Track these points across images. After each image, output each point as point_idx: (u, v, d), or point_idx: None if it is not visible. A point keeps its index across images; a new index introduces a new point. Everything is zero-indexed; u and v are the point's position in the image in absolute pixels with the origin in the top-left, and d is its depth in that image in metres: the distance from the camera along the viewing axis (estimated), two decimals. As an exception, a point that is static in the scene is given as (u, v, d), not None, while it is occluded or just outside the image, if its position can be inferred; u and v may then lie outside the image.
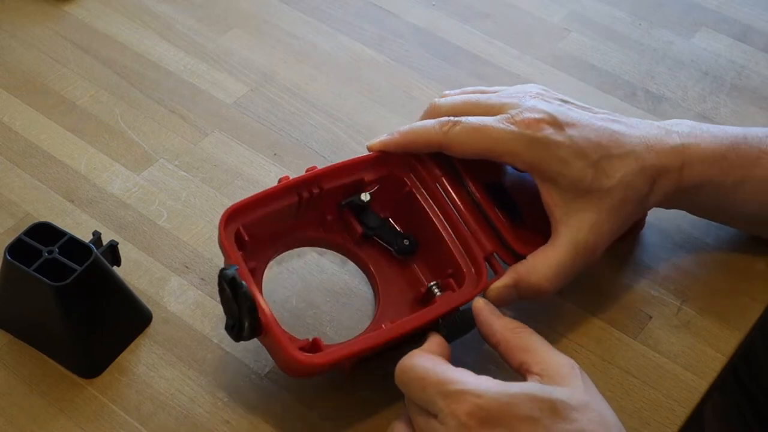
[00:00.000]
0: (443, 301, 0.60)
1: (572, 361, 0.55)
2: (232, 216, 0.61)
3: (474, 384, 0.52)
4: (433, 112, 0.66)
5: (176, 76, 0.83)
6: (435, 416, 0.52)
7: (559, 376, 0.54)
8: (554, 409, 0.51)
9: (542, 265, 0.62)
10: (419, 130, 0.64)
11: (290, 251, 0.66)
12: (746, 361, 0.87)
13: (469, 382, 0.52)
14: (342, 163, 0.65)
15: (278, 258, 0.66)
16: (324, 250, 0.68)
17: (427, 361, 0.54)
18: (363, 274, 0.66)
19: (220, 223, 0.60)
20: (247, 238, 0.61)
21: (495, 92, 0.67)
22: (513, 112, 0.62)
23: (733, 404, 0.91)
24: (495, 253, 0.63)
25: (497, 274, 0.62)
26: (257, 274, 0.62)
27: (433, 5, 0.91)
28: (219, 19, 0.88)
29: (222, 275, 0.58)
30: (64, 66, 0.83)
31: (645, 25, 0.90)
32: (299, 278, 0.68)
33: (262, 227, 0.62)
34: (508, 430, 0.50)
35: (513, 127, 0.61)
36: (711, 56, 0.87)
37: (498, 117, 0.62)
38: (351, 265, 0.67)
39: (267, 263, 0.64)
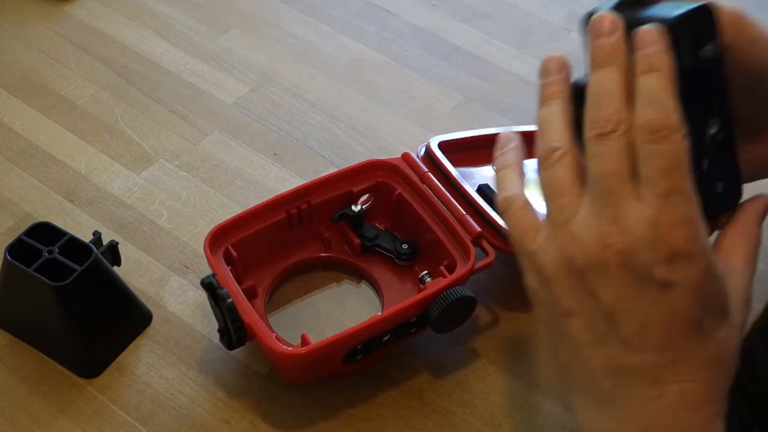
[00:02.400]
0: (432, 285, 0.60)
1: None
2: (217, 235, 0.62)
3: None
4: None
5: (176, 76, 0.83)
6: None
7: None
8: None
9: None
10: None
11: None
12: (745, 363, 0.86)
13: None
14: (328, 175, 0.66)
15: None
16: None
17: None
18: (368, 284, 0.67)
19: (205, 243, 0.61)
20: (235, 254, 0.62)
21: None
22: None
23: (733, 404, 0.90)
24: (483, 237, 0.63)
25: (487, 255, 0.62)
26: (257, 293, 0.63)
27: (433, 5, 0.91)
28: (219, 19, 0.88)
29: (201, 282, 0.59)
30: (64, 66, 0.83)
31: (645, 25, 0.90)
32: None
33: (254, 245, 0.63)
34: None
35: None
36: (711, 56, 0.87)
37: None
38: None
39: (270, 282, 0.64)
